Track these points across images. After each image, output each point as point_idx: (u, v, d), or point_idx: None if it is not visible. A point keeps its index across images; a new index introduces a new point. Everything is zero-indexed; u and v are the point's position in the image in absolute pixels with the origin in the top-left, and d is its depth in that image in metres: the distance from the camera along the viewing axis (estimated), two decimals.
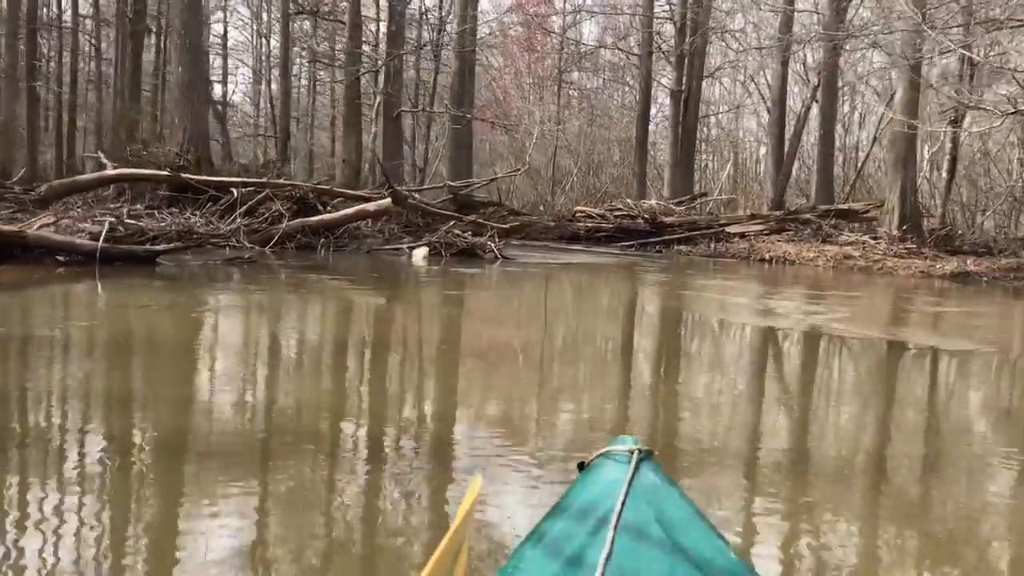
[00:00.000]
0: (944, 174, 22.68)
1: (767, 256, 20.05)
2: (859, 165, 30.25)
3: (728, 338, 8.60)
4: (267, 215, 14.54)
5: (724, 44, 36.67)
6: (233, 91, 41.97)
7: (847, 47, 23.05)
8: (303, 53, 32.74)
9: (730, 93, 43.40)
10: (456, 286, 11.84)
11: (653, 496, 1.69)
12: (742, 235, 22.51)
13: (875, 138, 30.84)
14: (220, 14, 36.55)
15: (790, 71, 28.17)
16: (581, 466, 1.93)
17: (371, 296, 10.69)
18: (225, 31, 36.59)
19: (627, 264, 17.64)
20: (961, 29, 17.30)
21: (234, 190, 14.88)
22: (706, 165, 42.02)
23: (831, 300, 12.49)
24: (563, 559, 1.55)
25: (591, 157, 38.12)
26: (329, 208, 15.93)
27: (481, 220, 18.18)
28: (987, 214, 25.70)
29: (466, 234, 16.02)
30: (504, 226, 18.18)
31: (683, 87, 26.88)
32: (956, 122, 21.79)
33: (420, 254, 14.57)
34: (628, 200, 25.52)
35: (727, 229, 22.90)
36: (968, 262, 18.68)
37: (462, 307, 9.94)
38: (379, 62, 23.64)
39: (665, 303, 11.23)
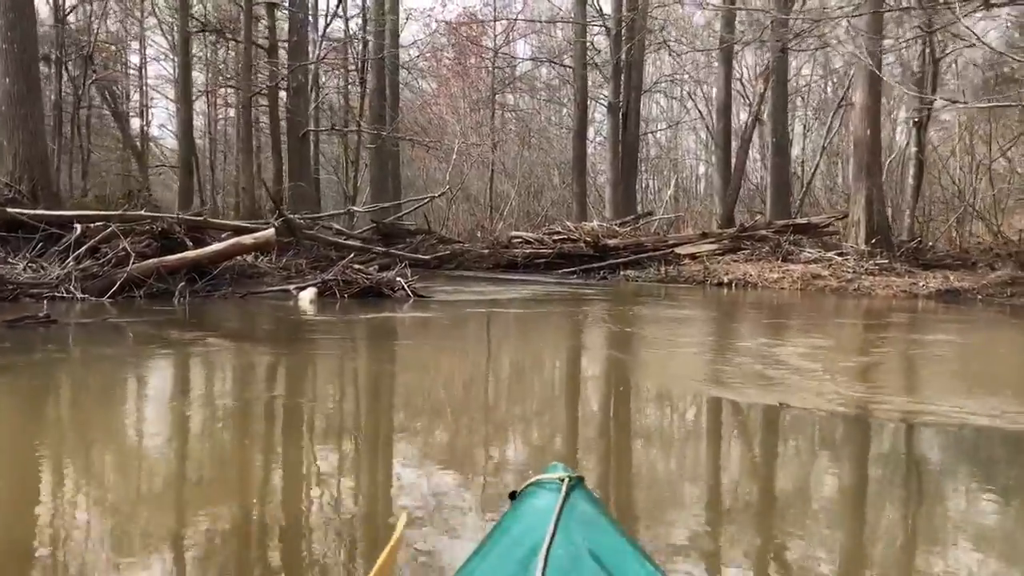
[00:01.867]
0: (910, 180, 19.94)
1: (725, 279, 17.09)
2: (808, 178, 27.61)
3: (695, 436, 5.28)
4: (111, 256, 11.12)
5: (660, 59, 34.34)
6: (158, 125, 38.30)
7: (795, 46, 20.30)
8: (220, 79, 29.26)
9: (666, 112, 40.87)
10: (325, 345, 8.36)
11: (584, 525, 1.63)
12: (693, 256, 19.59)
13: (823, 148, 28.29)
14: (136, 44, 32.94)
15: (733, 80, 25.40)
16: (513, 495, 1.84)
17: (157, 378, 7.30)
18: (143, 62, 32.88)
19: (566, 296, 14.54)
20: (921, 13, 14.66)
21: (77, 225, 11.46)
22: (647, 185, 39.33)
23: (824, 340, 9.42)
24: None
25: (530, 181, 35.36)
26: (212, 241, 12.61)
27: (395, 251, 14.92)
28: (944, 224, 23.13)
29: (370, 268, 12.75)
30: (423, 256, 15.01)
31: (621, 100, 23.97)
32: (921, 124, 19.11)
33: (307, 296, 11.28)
34: (568, 223, 22.48)
35: (677, 250, 19.98)
36: (951, 278, 15.89)
37: (300, 392, 6.13)
38: (279, 78, 20.25)
39: (603, 361, 7.80)
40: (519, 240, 22.39)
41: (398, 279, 12.09)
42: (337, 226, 22.84)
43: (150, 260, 11.23)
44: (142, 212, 12.97)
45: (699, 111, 37.24)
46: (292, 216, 14.14)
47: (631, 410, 5.59)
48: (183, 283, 11.19)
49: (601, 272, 19.42)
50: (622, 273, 19.01)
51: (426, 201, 19.73)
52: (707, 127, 37.54)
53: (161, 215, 12.70)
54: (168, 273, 11.23)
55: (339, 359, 7.45)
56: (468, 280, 18.03)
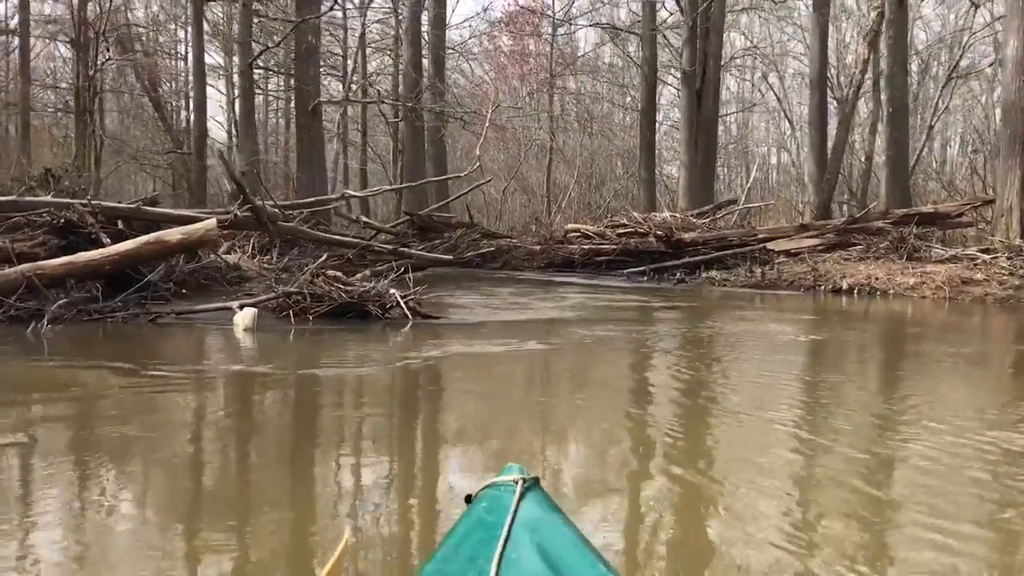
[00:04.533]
0: None
1: (843, 284, 12.53)
2: (916, 155, 22.49)
3: None
4: None
5: (731, 36, 29.55)
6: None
7: None
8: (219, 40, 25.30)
9: (737, 95, 35.77)
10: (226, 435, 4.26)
11: (538, 527, 1.54)
12: (790, 253, 15.08)
13: (930, 127, 23.25)
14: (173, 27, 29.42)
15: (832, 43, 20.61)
16: (469, 499, 1.71)
17: None
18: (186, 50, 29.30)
19: (632, 308, 10.24)
20: None
21: None
22: (717, 174, 34.37)
23: None
24: None
25: (591, 171, 31.02)
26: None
27: (401, 248, 10.76)
28: None
29: (357, 278, 8.58)
30: (444, 257, 10.85)
31: (697, 68, 19.39)
32: None
33: (243, 320, 7.17)
34: (635, 214, 18.08)
35: (769, 245, 15.46)
36: None
37: None
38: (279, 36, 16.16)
39: (692, 462, 3.63)
40: (577, 234, 18.14)
41: (392, 292, 7.89)
42: (365, 218, 18.90)
43: (23, 265, 7.26)
44: (48, 198, 9.02)
45: (775, 93, 32.40)
46: (264, 204, 10.06)
47: None
48: (76, 297, 7.20)
49: (677, 273, 15.05)
50: (703, 275, 14.60)
51: (428, 182, 15.35)
52: (783, 111, 32.79)
53: (69, 201, 8.69)
54: (50, 284, 7.25)
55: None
56: (512, 284, 13.88)
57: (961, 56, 22.49)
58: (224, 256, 11.52)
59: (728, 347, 7.09)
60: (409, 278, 8.29)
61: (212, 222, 8.09)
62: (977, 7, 21.19)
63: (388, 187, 16.15)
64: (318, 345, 6.89)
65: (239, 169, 14.44)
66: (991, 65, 22.11)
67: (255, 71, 16.16)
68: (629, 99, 32.76)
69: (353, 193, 12.88)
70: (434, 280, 13.78)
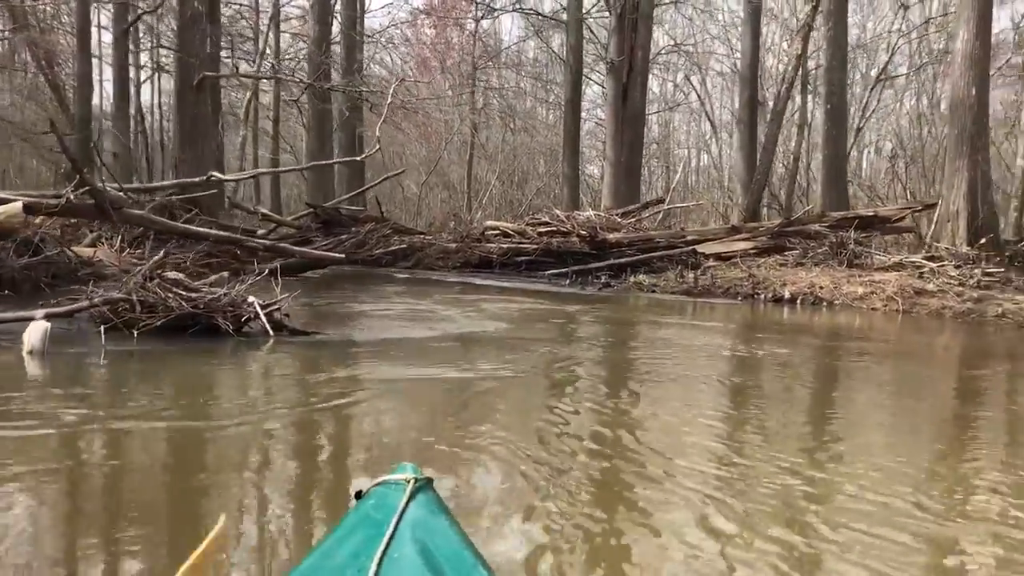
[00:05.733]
0: (1020, 159, 13.98)
1: (784, 293, 11.17)
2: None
3: None
4: None
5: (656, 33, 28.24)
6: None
7: None
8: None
9: (658, 96, 34.58)
10: None
11: (424, 528, 1.52)
12: (721, 256, 13.77)
13: (858, 128, 22.38)
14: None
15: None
16: (359, 495, 1.68)
17: None
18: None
19: (554, 322, 8.63)
20: None
21: None
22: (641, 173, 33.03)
23: None
24: None
25: (513, 167, 29.56)
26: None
27: (281, 244, 8.93)
28: None
29: (210, 280, 6.71)
30: (336, 255, 9.07)
31: (624, 59, 17.94)
32: None
33: (32, 339, 5.27)
34: (557, 211, 16.52)
35: (699, 248, 14.11)
36: None
37: None
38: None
39: None
40: (496, 232, 16.49)
41: (252, 301, 6.08)
42: (264, 210, 16.87)
43: None
44: None
45: (697, 95, 31.39)
46: (105, 187, 8.08)
47: None
48: None
49: (602, 276, 13.57)
50: (631, 279, 13.14)
51: (299, 168, 13.43)
52: (706, 112, 31.74)
53: None
54: None
55: None
56: (422, 285, 12.25)
57: (891, 57, 21.62)
58: (80, 249, 9.49)
59: (656, 382, 5.51)
60: (277, 282, 6.46)
61: (16, 206, 6.23)
62: (907, 8, 20.33)
63: (264, 170, 14.13)
64: (135, 377, 5.05)
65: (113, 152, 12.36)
66: (919, 68, 21.33)
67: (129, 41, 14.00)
68: (553, 97, 31.33)
69: (222, 176, 10.83)
70: (336, 281, 11.94)
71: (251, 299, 6.14)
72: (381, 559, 1.37)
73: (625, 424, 4.14)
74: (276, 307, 6.17)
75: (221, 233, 9.27)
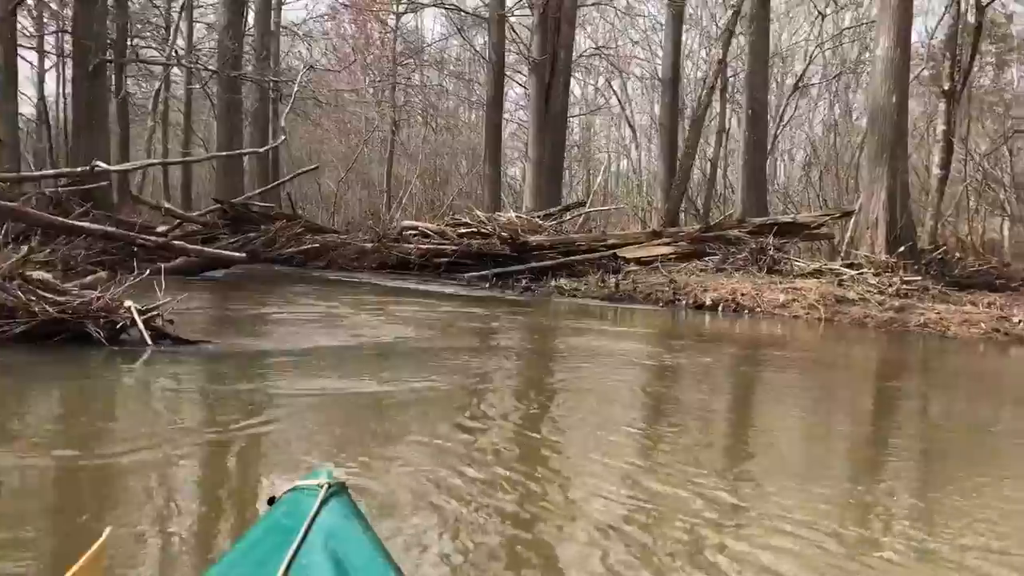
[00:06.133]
0: (936, 168, 14.10)
1: (706, 300, 10.91)
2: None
3: None
4: None
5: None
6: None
7: None
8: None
9: (579, 101, 34.45)
10: None
11: (336, 534, 1.46)
12: (641, 261, 13.48)
13: (774, 136, 22.52)
14: None
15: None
16: (272, 501, 1.62)
17: None
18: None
19: (472, 328, 8.14)
20: None
21: None
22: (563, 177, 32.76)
23: None
24: None
25: (435, 167, 29.05)
26: None
27: (176, 242, 8.20)
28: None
29: (85, 281, 5.98)
30: (233, 255, 8.39)
31: (547, 59, 17.58)
32: (951, 94, 13.34)
33: None
34: (478, 212, 16.03)
35: (620, 252, 13.82)
36: None
37: None
38: None
39: None
40: (414, 232, 15.87)
41: (128, 305, 5.41)
42: (168, 204, 15.91)
43: None
44: None
45: (618, 99, 31.31)
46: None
47: None
48: None
49: (523, 280, 13.13)
50: (552, 283, 12.75)
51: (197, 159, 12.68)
52: (626, 117, 31.67)
53: None
54: None
55: None
56: (336, 286, 11.64)
57: (808, 65, 21.84)
58: None
59: (574, 393, 5.08)
60: (160, 283, 5.78)
61: None
62: (824, 18, 20.55)
63: (155, 161, 13.26)
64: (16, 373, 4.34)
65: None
66: (835, 77, 21.62)
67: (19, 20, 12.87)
68: (476, 96, 30.86)
69: (105, 165, 9.94)
70: (244, 283, 11.13)
71: (128, 303, 5.46)
72: (288, 567, 1.33)
73: (539, 444, 3.68)
74: (156, 312, 5.50)
75: (108, 228, 8.46)
